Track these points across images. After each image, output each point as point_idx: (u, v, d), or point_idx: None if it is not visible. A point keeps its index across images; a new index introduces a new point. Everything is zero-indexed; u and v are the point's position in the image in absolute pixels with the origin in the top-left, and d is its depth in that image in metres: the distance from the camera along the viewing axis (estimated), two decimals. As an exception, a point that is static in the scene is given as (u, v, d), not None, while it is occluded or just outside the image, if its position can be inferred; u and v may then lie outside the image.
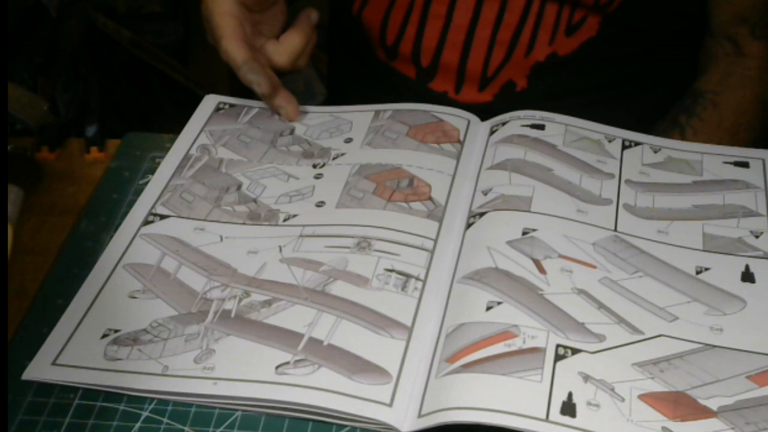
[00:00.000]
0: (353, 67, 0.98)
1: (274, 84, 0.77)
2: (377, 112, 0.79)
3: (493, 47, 0.86)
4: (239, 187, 0.71)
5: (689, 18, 0.90)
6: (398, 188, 0.70)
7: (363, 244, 0.65)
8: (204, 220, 0.68)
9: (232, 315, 0.60)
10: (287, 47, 0.79)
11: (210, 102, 0.81)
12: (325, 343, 0.57)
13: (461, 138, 0.76)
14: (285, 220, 0.68)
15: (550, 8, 0.84)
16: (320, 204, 0.69)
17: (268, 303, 0.61)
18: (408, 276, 0.62)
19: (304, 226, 0.67)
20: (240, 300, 0.61)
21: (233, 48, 0.75)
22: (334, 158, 0.74)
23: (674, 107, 0.90)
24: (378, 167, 0.72)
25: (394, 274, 0.63)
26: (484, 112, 0.79)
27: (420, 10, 0.87)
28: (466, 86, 0.88)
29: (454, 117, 0.78)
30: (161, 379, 0.56)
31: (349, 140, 0.76)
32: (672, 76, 0.93)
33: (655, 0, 0.87)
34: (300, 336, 0.58)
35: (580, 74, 0.88)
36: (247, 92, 0.82)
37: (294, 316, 0.59)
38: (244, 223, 0.68)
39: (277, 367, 0.56)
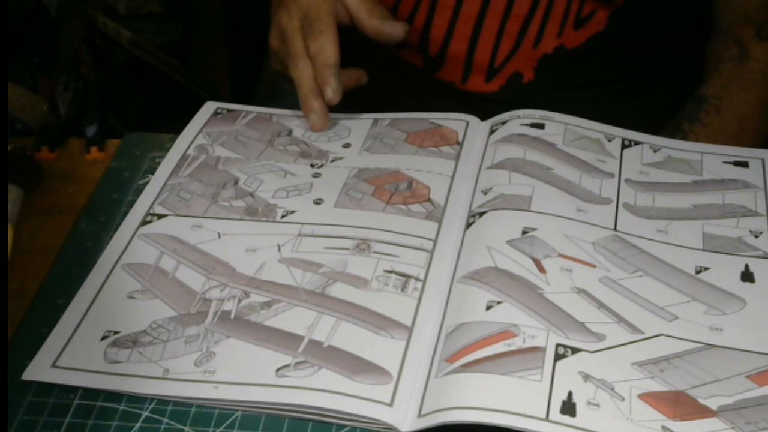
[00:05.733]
0: (358, 55, 0.98)
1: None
2: (375, 120, 0.79)
3: (501, 38, 0.86)
4: (236, 182, 0.71)
5: (697, 15, 0.90)
6: (397, 191, 0.70)
7: (362, 246, 0.65)
8: (202, 217, 0.68)
9: (232, 316, 0.60)
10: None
11: (208, 108, 0.81)
12: (325, 345, 0.57)
13: (460, 139, 0.76)
14: (283, 217, 0.68)
15: (559, 0, 0.84)
16: (318, 201, 0.69)
17: (267, 304, 0.61)
18: (407, 276, 0.62)
19: (302, 224, 0.67)
20: (239, 301, 0.61)
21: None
22: (332, 161, 0.74)
23: (677, 113, 0.90)
24: (377, 171, 0.72)
25: (393, 275, 0.63)
26: (490, 102, 0.79)
27: (429, 0, 0.87)
28: (473, 76, 0.89)
29: (453, 121, 0.78)
30: (162, 383, 0.56)
31: (347, 145, 0.76)
32: (678, 74, 0.93)
33: None
34: (300, 338, 0.58)
35: (586, 68, 0.88)
36: (245, 97, 0.83)
37: (294, 318, 0.59)
38: (241, 219, 0.68)
39: (277, 370, 0.56)
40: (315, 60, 0.76)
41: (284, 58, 0.80)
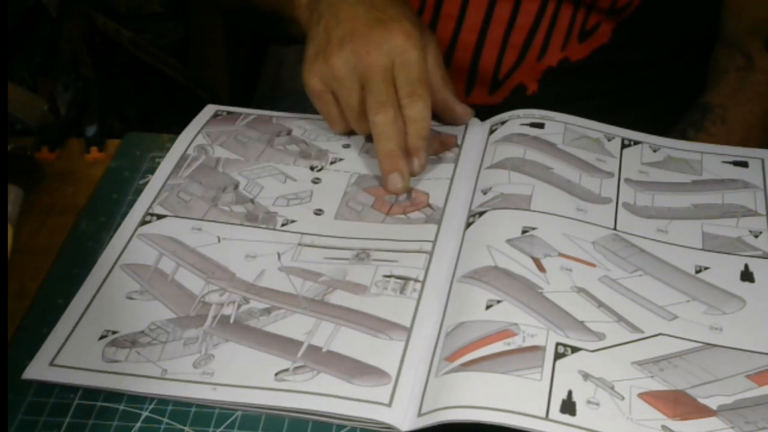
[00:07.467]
0: None
1: None
2: None
3: (506, 49, 0.86)
4: (236, 186, 0.71)
5: (702, 25, 0.90)
6: (396, 202, 0.70)
7: (362, 255, 0.65)
8: (201, 219, 0.68)
9: (231, 321, 0.60)
10: None
11: (208, 111, 0.81)
12: (324, 350, 0.57)
13: (459, 142, 0.76)
14: (283, 225, 0.68)
15: (564, 12, 0.84)
16: (318, 212, 0.69)
17: (267, 311, 0.61)
18: (406, 279, 0.62)
19: (302, 234, 0.67)
20: (239, 306, 0.61)
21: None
22: (332, 162, 0.74)
23: (682, 121, 0.89)
24: (377, 180, 0.72)
25: (392, 279, 0.63)
26: (493, 115, 0.79)
27: (432, 9, 0.87)
28: (477, 88, 0.88)
29: (451, 126, 0.78)
30: (160, 383, 0.56)
31: (347, 146, 0.76)
32: (682, 84, 0.93)
33: (670, 5, 0.86)
34: (299, 343, 0.58)
35: (590, 80, 0.88)
36: (245, 97, 0.82)
37: (293, 324, 0.59)
38: (241, 224, 0.68)
39: (276, 374, 0.56)
40: (409, 125, 0.71)
41: (348, 93, 0.72)
